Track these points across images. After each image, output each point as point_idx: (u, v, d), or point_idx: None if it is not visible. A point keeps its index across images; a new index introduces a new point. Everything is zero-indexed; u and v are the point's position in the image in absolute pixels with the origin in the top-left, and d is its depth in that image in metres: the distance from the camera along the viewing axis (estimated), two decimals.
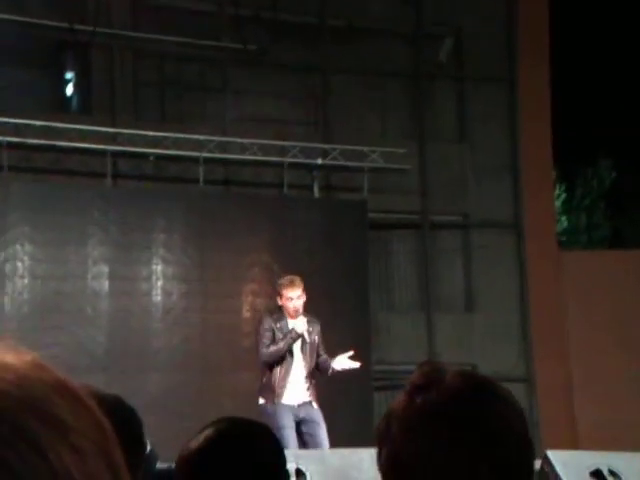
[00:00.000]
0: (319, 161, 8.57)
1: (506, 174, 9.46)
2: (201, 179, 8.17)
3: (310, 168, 8.64)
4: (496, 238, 9.33)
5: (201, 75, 8.66)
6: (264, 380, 5.50)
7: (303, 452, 5.14)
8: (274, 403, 5.40)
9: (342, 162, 8.60)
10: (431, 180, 9.22)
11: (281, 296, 5.48)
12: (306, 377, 5.50)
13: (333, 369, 5.52)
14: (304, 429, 5.48)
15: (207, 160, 8.22)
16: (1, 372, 0.43)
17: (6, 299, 7.47)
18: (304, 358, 5.51)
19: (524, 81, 9.48)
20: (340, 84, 9.01)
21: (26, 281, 7.53)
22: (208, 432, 1.63)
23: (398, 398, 1.00)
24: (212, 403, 7.54)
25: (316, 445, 5.41)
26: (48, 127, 7.79)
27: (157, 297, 7.76)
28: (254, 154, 8.34)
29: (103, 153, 8.05)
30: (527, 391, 8.92)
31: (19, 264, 7.54)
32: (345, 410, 7.65)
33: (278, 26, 8.63)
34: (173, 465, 2.02)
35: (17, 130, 7.73)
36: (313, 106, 9.09)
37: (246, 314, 7.93)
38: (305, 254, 8.13)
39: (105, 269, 7.68)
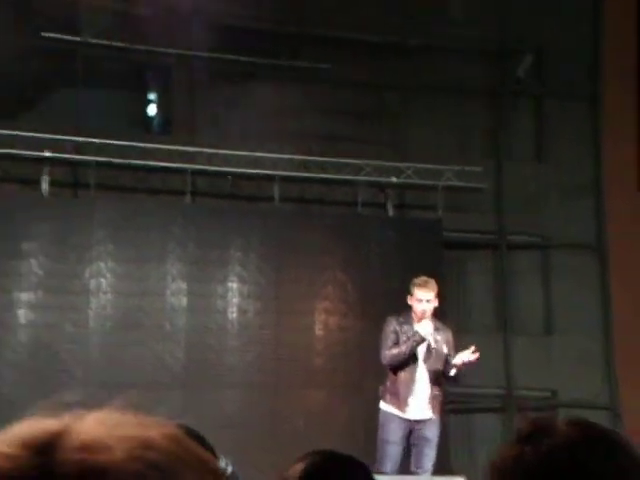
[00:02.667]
0: (393, 179, 8.55)
1: (588, 195, 9.21)
2: (276, 197, 8.27)
3: (384, 186, 8.63)
4: (577, 259, 9.08)
5: (278, 94, 8.78)
6: (388, 384, 5.40)
7: (386, 479, 5.11)
8: (395, 409, 5.31)
9: (416, 180, 8.55)
10: (509, 199, 9.06)
11: (411, 295, 5.36)
12: (431, 385, 5.36)
13: (454, 365, 5.31)
14: (412, 441, 5.37)
15: (282, 178, 8.33)
16: (142, 450, 0.41)
17: (90, 314, 7.73)
18: (428, 365, 5.36)
19: (609, 98, 9.22)
20: (415, 102, 8.98)
21: (109, 297, 7.78)
22: (302, 465, 1.66)
23: (506, 447, 0.96)
24: (285, 421, 7.60)
25: (417, 463, 5.32)
26: (131, 147, 8.05)
27: (233, 314, 7.89)
28: (329, 172, 8.40)
29: (183, 171, 8.26)
30: (611, 420, 8.61)
31: (102, 280, 7.80)
32: None
33: (354, 44, 8.68)
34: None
35: (102, 150, 8.02)
36: (388, 124, 9.08)
37: (319, 332, 7.96)
38: (379, 273, 8.11)
39: (183, 286, 7.87)
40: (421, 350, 5.36)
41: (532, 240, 9.27)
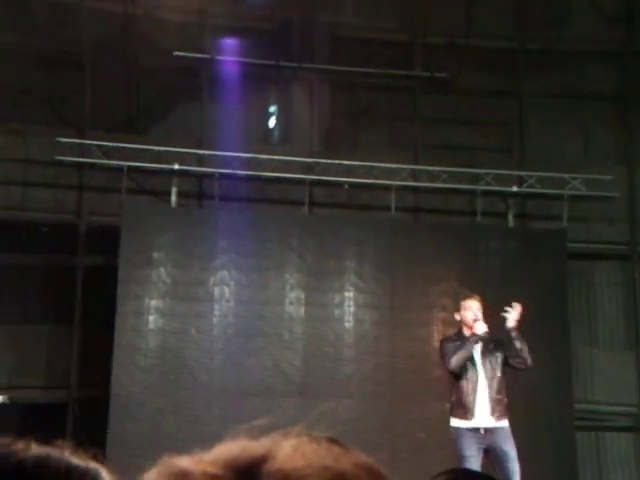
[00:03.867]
0: (514, 188, 8.27)
1: None
2: (392, 207, 8.23)
3: (504, 196, 8.36)
4: None
5: (393, 104, 8.73)
6: (453, 399, 5.49)
7: None
8: (463, 421, 5.36)
9: (539, 189, 8.22)
10: None
11: (459, 309, 5.54)
12: (495, 392, 5.43)
13: (509, 329, 5.43)
14: (493, 460, 5.38)
15: (398, 188, 8.27)
16: None
17: (214, 321, 7.99)
18: (487, 371, 5.47)
19: None
20: (536, 108, 8.65)
21: (231, 305, 8.01)
22: None
23: None
24: (402, 433, 7.53)
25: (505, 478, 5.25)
26: (253, 159, 8.28)
27: (349, 324, 7.91)
28: (445, 182, 8.25)
29: (301, 182, 8.40)
30: None
31: (226, 289, 8.04)
32: (546, 450, 7.29)
33: (471, 52, 8.48)
34: None
35: (226, 162, 8.31)
36: (508, 132, 8.80)
37: (436, 343, 7.81)
38: (499, 284, 7.87)
39: (301, 295, 7.98)
40: (478, 359, 5.44)
41: None
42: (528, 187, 8.26)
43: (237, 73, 8.69)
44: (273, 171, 8.31)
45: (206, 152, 8.35)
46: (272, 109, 9.30)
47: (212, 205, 8.38)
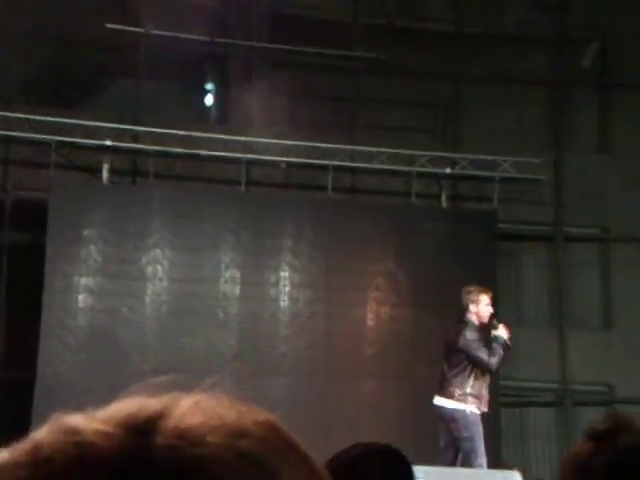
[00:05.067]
0: (447, 170, 8.44)
1: None
2: (329, 187, 8.28)
3: (438, 177, 8.53)
4: (638, 252, 8.79)
5: (333, 84, 8.77)
6: (468, 390, 5.58)
7: (436, 469, 5.12)
8: (477, 409, 5.54)
9: (472, 172, 8.43)
10: (568, 191, 8.85)
11: (474, 302, 5.61)
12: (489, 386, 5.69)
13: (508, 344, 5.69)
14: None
15: (336, 168, 8.32)
16: (237, 439, 0.42)
17: (147, 300, 7.89)
18: None
19: None
20: (472, 92, 8.84)
21: (165, 284, 7.92)
22: (342, 455, 1.71)
23: (579, 444, 0.95)
24: (336, 410, 7.61)
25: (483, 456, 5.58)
26: (189, 136, 8.18)
27: (284, 303, 7.94)
28: (382, 163, 8.35)
29: (238, 161, 8.35)
30: None
31: (159, 267, 7.94)
32: None
33: (411, 35, 8.59)
34: None
35: (162, 139, 8.17)
36: (443, 115, 8.97)
37: (370, 322, 7.95)
38: (431, 264, 8.04)
39: (237, 274, 7.96)
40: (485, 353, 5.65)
41: (591, 232, 9.04)
42: (461, 169, 8.44)
43: (173, 49, 8.54)
44: (210, 150, 8.23)
45: (141, 129, 8.19)
46: (209, 87, 9.20)
47: (146, 183, 8.24)
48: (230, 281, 7.95)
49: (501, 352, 5.54)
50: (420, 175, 8.40)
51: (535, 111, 9.08)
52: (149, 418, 0.42)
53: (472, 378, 5.55)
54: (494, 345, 5.54)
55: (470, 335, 5.57)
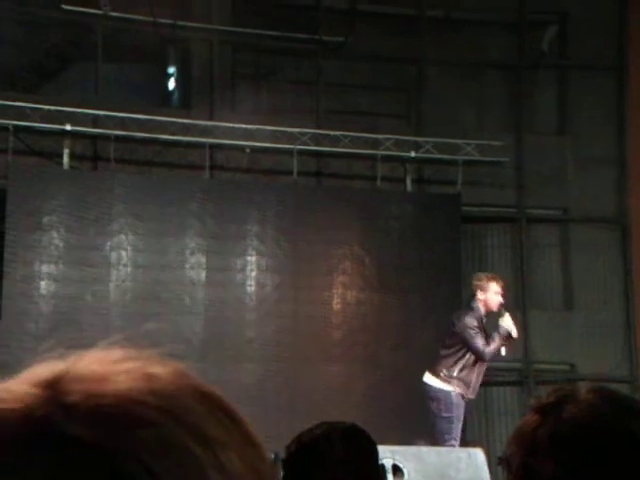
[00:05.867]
0: (412, 154, 8.50)
1: (610, 166, 9.08)
2: (294, 171, 8.26)
3: (403, 161, 8.58)
4: (598, 233, 8.98)
5: (296, 68, 8.73)
6: (456, 373, 5.59)
7: (401, 449, 5.19)
8: (461, 391, 5.58)
9: (436, 155, 8.49)
10: (529, 173, 8.97)
11: (484, 290, 5.55)
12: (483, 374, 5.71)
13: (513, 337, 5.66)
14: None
15: (300, 152, 8.30)
16: (145, 382, 0.42)
17: (111, 286, 7.81)
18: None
19: (635, 69, 9.03)
20: (435, 76, 8.88)
21: (129, 270, 7.85)
22: (310, 434, 1.74)
23: (526, 417, 0.96)
24: (303, 394, 7.66)
25: (458, 434, 5.66)
26: (151, 121, 8.07)
27: (251, 288, 7.93)
28: (347, 146, 8.36)
29: (202, 146, 8.27)
30: (631, 393, 8.57)
31: (123, 253, 7.86)
32: None
33: (373, 18, 8.58)
34: (273, 456, 2.16)
35: (123, 124, 8.05)
36: (407, 98, 9.00)
37: (337, 306, 7.99)
38: (397, 247, 8.10)
39: (202, 259, 7.92)
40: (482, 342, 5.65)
41: (552, 214, 9.19)
42: (425, 153, 8.50)
43: (135, 31, 8.40)
44: (172, 134, 8.14)
45: (101, 113, 8.06)
46: (171, 70, 9.07)
47: (108, 168, 8.12)
48: (196, 267, 7.91)
49: (499, 342, 5.48)
50: (385, 159, 8.43)
51: (496, 93, 9.17)
52: (55, 374, 0.42)
53: (462, 363, 5.54)
54: (494, 334, 5.50)
55: (469, 321, 5.52)
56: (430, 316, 7.96)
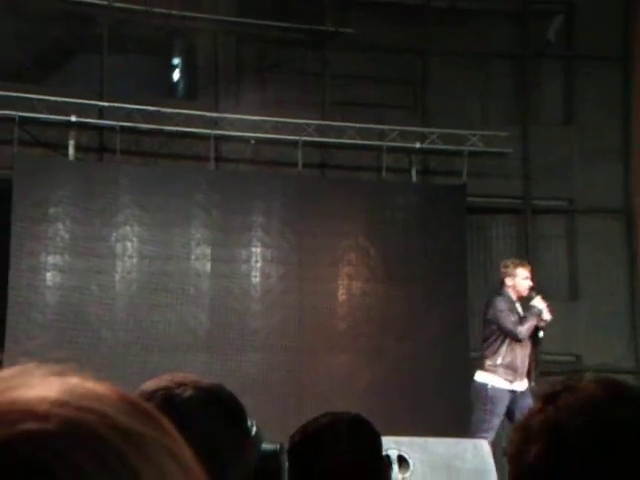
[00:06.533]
0: (417, 145, 8.48)
1: (616, 158, 9.07)
2: (299, 163, 8.26)
3: (408, 152, 8.57)
4: (604, 224, 8.97)
5: (301, 59, 8.72)
6: (499, 361, 5.60)
7: (406, 440, 5.20)
8: (506, 384, 5.57)
9: (441, 146, 8.48)
10: (534, 164, 8.95)
11: (512, 276, 5.62)
12: (529, 356, 5.69)
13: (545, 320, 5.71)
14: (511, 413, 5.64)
15: (305, 144, 8.30)
16: (64, 386, 0.42)
17: (117, 277, 7.83)
18: (528, 341, 5.72)
19: None
20: (441, 66, 8.86)
21: (134, 261, 7.86)
22: (314, 424, 1.75)
23: (530, 408, 0.99)
24: (308, 385, 7.68)
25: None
26: (156, 112, 8.07)
27: (256, 279, 7.94)
28: (352, 138, 8.35)
29: (207, 137, 8.28)
30: (637, 384, 8.57)
31: (129, 244, 7.88)
32: (442, 397, 7.62)
33: (379, 8, 8.56)
34: (279, 447, 2.19)
35: (128, 115, 8.05)
36: (412, 89, 8.98)
37: (342, 297, 8.00)
38: (402, 238, 8.10)
39: (207, 250, 7.93)
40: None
41: (558, 205, 9.18)
42: (430, 144, 8.49)
43: (139, 22, 8.40)
44: (177, 125, 8.14)
45: (106, 104, 8.06)
46: (176, 61, 9.07)
47: (113, 159, 8.13)
48: (201, 258, 7.92)
49: (533, 322, 5.53)
50: (390, 150, 8.42)
51: (502, 84, 9.15)
52: None
53: (504, 349, 5.57)
54: (526, 314, 5.55)
55: (499, 304, 5.60)
56: (435, 307, 7.97)
